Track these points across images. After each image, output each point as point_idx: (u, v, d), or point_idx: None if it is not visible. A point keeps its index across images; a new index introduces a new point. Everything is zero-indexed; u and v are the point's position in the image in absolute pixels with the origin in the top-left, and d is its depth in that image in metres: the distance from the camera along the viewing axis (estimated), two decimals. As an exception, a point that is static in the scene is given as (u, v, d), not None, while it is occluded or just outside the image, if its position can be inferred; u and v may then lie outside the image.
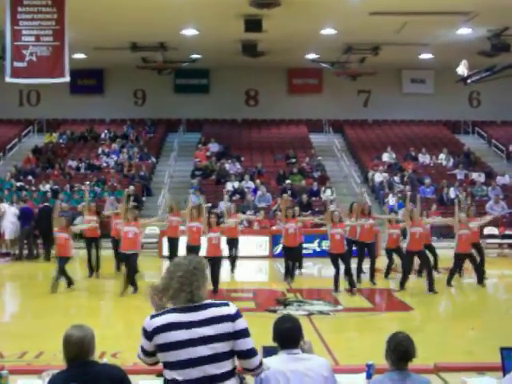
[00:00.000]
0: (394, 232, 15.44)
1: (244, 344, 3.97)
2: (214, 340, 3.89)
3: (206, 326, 3.90)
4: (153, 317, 4.02)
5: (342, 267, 14.13)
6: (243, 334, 3.98)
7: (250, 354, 4.01)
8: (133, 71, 29.60)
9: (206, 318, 3.92)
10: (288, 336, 4.51)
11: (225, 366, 3.92)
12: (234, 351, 3.97)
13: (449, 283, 14.67)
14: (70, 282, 14.58)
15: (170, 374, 3.94)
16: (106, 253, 17.19)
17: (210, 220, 14.58)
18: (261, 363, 4.13)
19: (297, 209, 17.69)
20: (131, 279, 14.16)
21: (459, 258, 14.82)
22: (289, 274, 15.44)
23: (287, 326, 4.59)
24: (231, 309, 4.00)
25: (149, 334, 3.96)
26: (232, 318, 3.95)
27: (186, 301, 3.96)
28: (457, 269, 15.02)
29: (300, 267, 16.71)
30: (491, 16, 21.41)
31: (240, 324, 3.97)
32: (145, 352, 4.05)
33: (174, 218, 17.35)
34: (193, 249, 14.83)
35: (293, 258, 15.83)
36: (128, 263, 14.25)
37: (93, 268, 16.54)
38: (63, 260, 14.41)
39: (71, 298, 13.98)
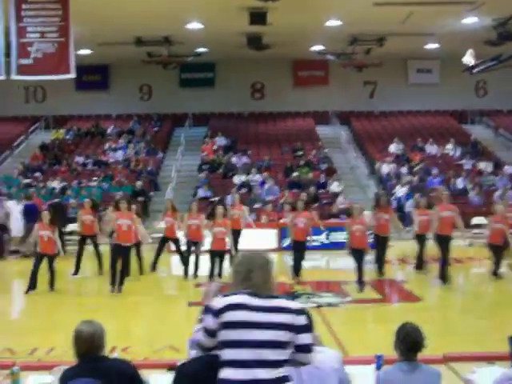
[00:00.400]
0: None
1: (304, 338, 4.04)
2: (275, 327, 3.97)
3: (270, 313, 3.99)
4: (223, 296, 4.11)
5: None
6: (304, 329, 4.06)
7: (307, 349, 4.08)
8: (138, 66, 29.60)
9: (271, 306, 4.02)
10: None
11: (281, 355, 3.99)
12: (290, 343, 4.03)
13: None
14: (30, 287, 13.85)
15: (228, 354, 4.00)
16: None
17: (217, 211, 14.51)
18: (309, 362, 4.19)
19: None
20: (127, 272, 14.30)
21: None
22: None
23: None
24: (296, 304, 4.12)
25: (217, 311, 4.02)
26: (296, 312, 4.05)
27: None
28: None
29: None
30: (497, 5, 21.32)
31: (302, 320, 4.06)
32: (208, 331, 4.05)
33: (169, 218, 16.66)
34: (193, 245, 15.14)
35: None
36: (123, 256, 14.12)
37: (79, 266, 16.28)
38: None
39: (80, 294, 14.04)
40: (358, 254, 13.73)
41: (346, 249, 14.01)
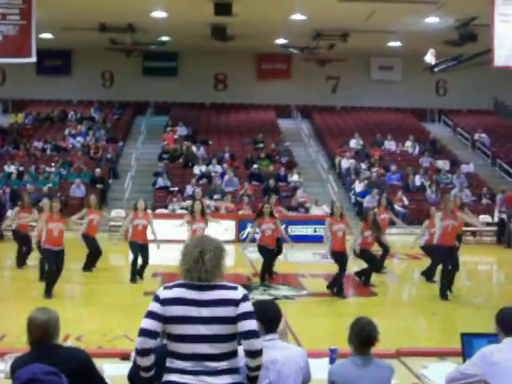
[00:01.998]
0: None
1: (245, 325, 4.03)
2: (213, 321, 3.99)
3: (208, 306, 4.00)
4: (165, 288, 4.14)
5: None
6: (246, 316, 4.04)
7: (249, 334, 4.04)
8: (101, 53, 29.36)
9: (210, 299, 4.02)
10: (269, 319, 4.58)
11: (221, 348, 4.01)
12: (234, 335, 4.05)
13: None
14: None
15: (171, 346, 4.06)
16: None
17: (194, 208, 13.87)
18: (261, 351, 4.11)
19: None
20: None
21: None
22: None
23: (269, 307, 4.69)
24: (238, 293, 4.09)
25: (161, 301, 4.06)
26: (236, 302, 4.03)
27: (195, 279, 4.07)
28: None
29: None
30: (459, 5, 21.59)
31: (244, 307, 4.05)
32: (155, 315, 4.04)
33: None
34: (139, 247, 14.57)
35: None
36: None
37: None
38: None
39: (34, 281, 13.89)
40: (339, 257, 12.66)
41: (328, 252, 13.06)
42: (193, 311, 3.99)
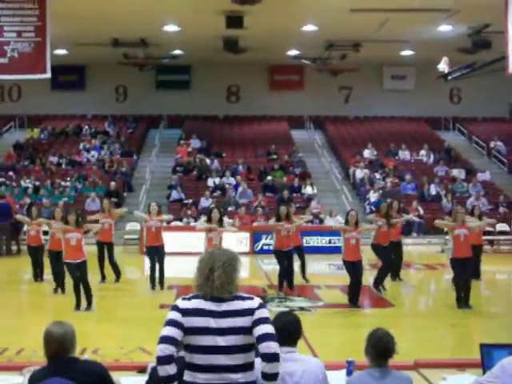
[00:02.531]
0: None
1: (261, 329, 4.00)
2: (230, 332, 3.98)
3: (226, 317, 4.00)
4: (184, 299, 4.13)
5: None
6: (262, 321, 4.03)
7: (265, 337, 3.99)
8: (114, 67, 29.47)
9: (227, 310, 4.02)
10: (289, 331, 4.55)
11: (238, 359, 4.00)
12: (252, 345, 4.04)
13: None
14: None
15: (188, 358, 4.05)
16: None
17: (211, 216, 13.53)
18: (278, 356, 4.03)
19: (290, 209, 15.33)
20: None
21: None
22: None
23: (289, 319, 4.66)
24: (254, 303, 4.08)
25: (181, 311, 4.05)
26: (252, 311, 4.03)
27: (211, 291, 4.05)
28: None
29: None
30: (472, 13, 21.53)
31: (259, 314, 4.04)
32: (175, 323, 4.02)
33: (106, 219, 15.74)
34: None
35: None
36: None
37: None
38: None
39: (50, 295, 13.93)
40: (351, 267, 12.53)
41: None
42: (211, 322, 3.98)
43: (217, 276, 4.04)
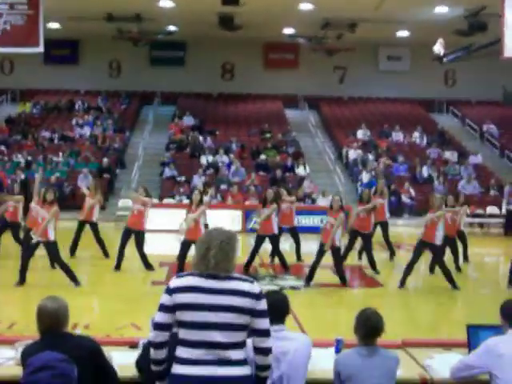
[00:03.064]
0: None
1: (262, 323, 4.07)
2: (227, 310, 3.99)
3: (224, 295, 4.02)
4: (177, 277, 4.17)
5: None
6: (263, 314, 4.09)
7: (265, 333, 4.10)
8: (108, 42, 29.37)
9: (226, 288, 4.04)
10: (277, 309, 4.61)
11: (233, 337, 4.02)
12: (247, 327, 4.07)
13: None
14: None
15: (181, 334, 4.07)
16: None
17: (192, 198, 13.33)
18: (271, 349, 4.16)
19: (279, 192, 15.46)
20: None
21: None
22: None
23: (277, 297, 4.72)
24: (255, 287, 4.11)
25: (171, 290, 4.06)
26: (255, 296, 4.06)
27: (207, 269, 4.07)
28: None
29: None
30: (468, -5, 21.51)
31: (262, 304, 4.09)
32: (165, 308, 4.06)
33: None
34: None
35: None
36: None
37: None
38: None
39: (42, 270, 13.95)
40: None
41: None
42: (202, 298, 3.99)
43: (213, 254, 4.06)
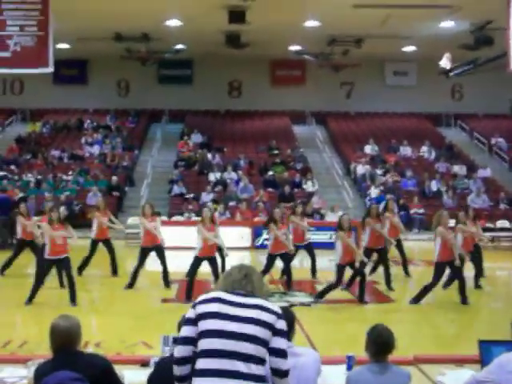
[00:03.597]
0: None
1: (278, 343, 4.00)
2: (253, 322, 3.95)
3: (249, 308, 3.99)
4: (204, 295, 4.12)
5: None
6: (283, 334, 4.04)
7: (280, 353, 4.02)
8: (116, 62, 29.49)
9: (251, 303, 4.01)
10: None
11: (248, 349, 3.92)
12: (267, 342, 3.98)
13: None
14: None
15: (202, 344, 3.97)
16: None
17: (203, 216, 13.20)
18: (288, 372, 4.09)
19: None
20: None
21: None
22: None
23: (286, 315, 4.71)
24: (278, 308, 4.10)
25: (194, 304, 4.06)
26: (277, 314, 4.04)
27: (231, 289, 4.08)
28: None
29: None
30: (474, 9, 21.53)
31: (282, 324, 4.05)
32: (187, 321, 4.04)
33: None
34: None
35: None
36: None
37: None
38: None
39: (53, 288, 13.99)
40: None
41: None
42: (225, 309, 3.97)
43: (255, 278, 4.13)
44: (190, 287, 12.49)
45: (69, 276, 12.23)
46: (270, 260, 13.88)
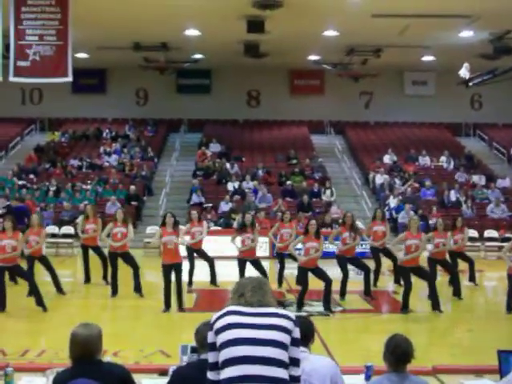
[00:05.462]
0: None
1: (296, 352, 4.01)
2: (272, 328, 3.94)
3: (266, 317, 3.98)
4: (216, 320, 4.03)
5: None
6: (298, 342, 4.04)
7: (297, 362, 4.02)
8: (135, 71, 29.66)
9: (267, 311, 4.00)
10: (304, 334, 4.58)
11: (279, 355, 3.91)
12: (287, 347, 3.98)
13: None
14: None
15: (223, 354, 3.94)
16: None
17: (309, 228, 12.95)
18: (299, 378, 4.08)
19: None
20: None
21: None
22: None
23: (302, 321, 4.68)
24: (293, 315, 4.08)
25: (212, 323, 4.00)
26: (294, 321, 4.03)
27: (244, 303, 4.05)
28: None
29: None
30: (493, 19, 21.47)
31: (297, 332, 4.03)
32: (210, 346, 4.00)
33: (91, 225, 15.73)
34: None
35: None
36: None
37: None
38: None
39: (71, 297, 14.05)
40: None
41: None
42: (243, 319, 3.95)
43: (251, 295, 4.05)
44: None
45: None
46: (239, 264, 14.21)
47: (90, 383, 3.74)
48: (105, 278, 15.47)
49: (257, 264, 14.20)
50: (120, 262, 14.36)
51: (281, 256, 15.80)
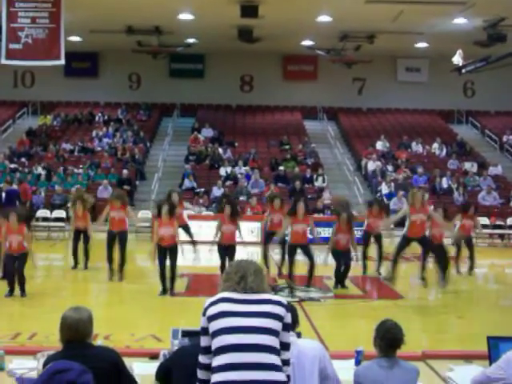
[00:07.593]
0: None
1: (287, 337, 4.05)
2: (263, 315, 3.96)
3: (258, 304, 3.99)
4: (208, 306, 4.05)
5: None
6: (289, 327, 4.08)
7: (287, 347, 4.06)
8: (128, 55, 29.54)
9: (259, 298, 4.02)
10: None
11: (264, 340, 3.92)
12: (279, 333, 4.01)
13: None
14: None
15: (215, 342, 3.94)
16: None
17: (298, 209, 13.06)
18: (288, 361, 4.13)
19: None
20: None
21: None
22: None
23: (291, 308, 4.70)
24: (285, 301, 4.11)
25: (204, 309, 4.02)
26: (285, 307, 4.05)
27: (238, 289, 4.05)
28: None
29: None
30: (487, 6, 21.47)
31: (289, 317, 4.06)
32: (202, 331, 4.02)
33: None
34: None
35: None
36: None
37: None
38: None
39: (62, 280, 14.05)
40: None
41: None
42: (236, 307, 3.96)
43: (250, 281, 4.05)
44: None
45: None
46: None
47: (71, 364, 3.74)
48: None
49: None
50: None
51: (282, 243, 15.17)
